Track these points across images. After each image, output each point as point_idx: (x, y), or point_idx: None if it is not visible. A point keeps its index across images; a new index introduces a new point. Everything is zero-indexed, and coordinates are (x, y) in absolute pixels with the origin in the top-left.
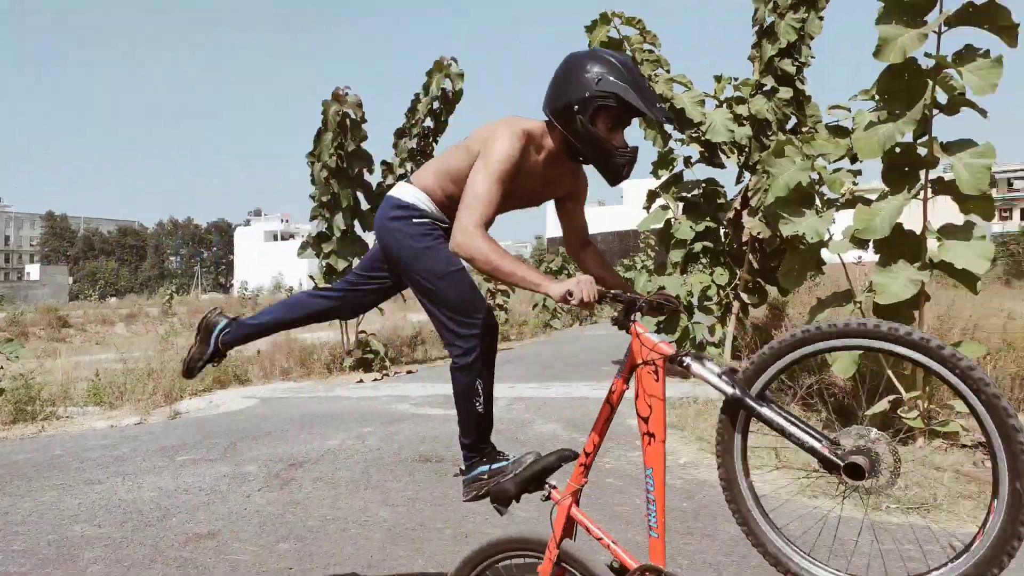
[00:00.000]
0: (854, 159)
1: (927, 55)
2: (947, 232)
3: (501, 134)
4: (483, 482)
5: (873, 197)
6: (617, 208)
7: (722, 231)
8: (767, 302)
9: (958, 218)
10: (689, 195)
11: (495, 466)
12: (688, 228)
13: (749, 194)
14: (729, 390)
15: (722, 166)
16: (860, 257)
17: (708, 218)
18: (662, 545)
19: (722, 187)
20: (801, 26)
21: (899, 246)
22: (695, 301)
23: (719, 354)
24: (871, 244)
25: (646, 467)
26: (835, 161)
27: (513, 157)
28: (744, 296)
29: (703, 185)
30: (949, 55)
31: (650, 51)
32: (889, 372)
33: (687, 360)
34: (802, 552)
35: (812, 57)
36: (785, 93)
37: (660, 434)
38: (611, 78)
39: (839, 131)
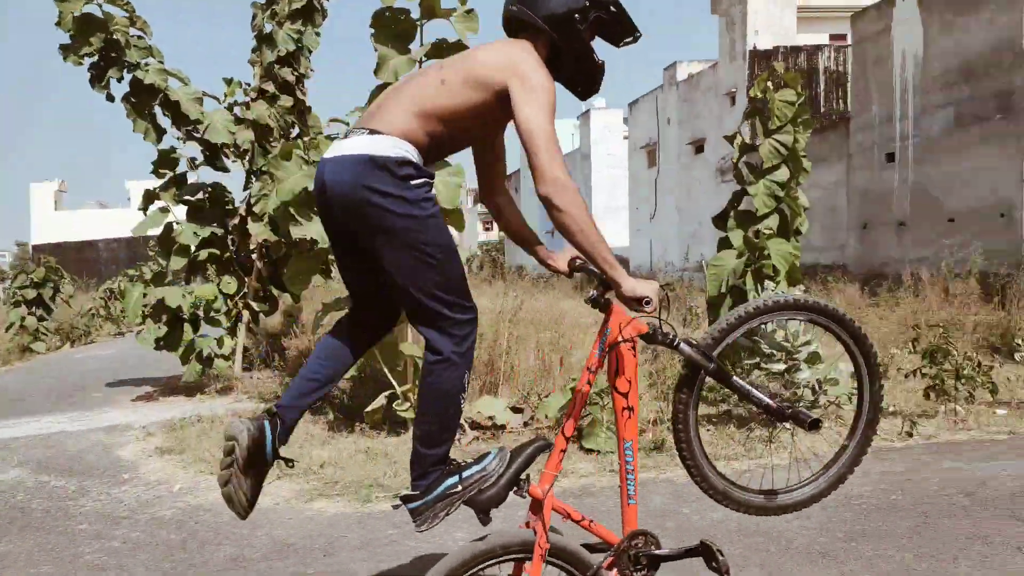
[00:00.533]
0: None
1: None
2: None
3: (531, 59)
4: (455, 495)
5: None
6: (122, 211)
7: (230, 238)
8: (281, 309)
9: None
10: (193, 198)
11: (467, 473)
12: (192, 234)
13: (253, 200)
14: (710, 365)
15: (225, 169)
16: None
17: (215, 224)
18: (636, 511)
19: (230, 192)
20: (299, 37)
21: None
22: (201, 313)
23: (229, 366)
24: None
25: (626, 440)
26: None
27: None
28: (254, 305)
29: (209, 189)
30: None
31: (139, 37)
32: (385, 368)
33: (672, 339)
34: (735, 483)
35: (312, 70)
36: (286, 101)
37: (636, 407)
38: None
39: None
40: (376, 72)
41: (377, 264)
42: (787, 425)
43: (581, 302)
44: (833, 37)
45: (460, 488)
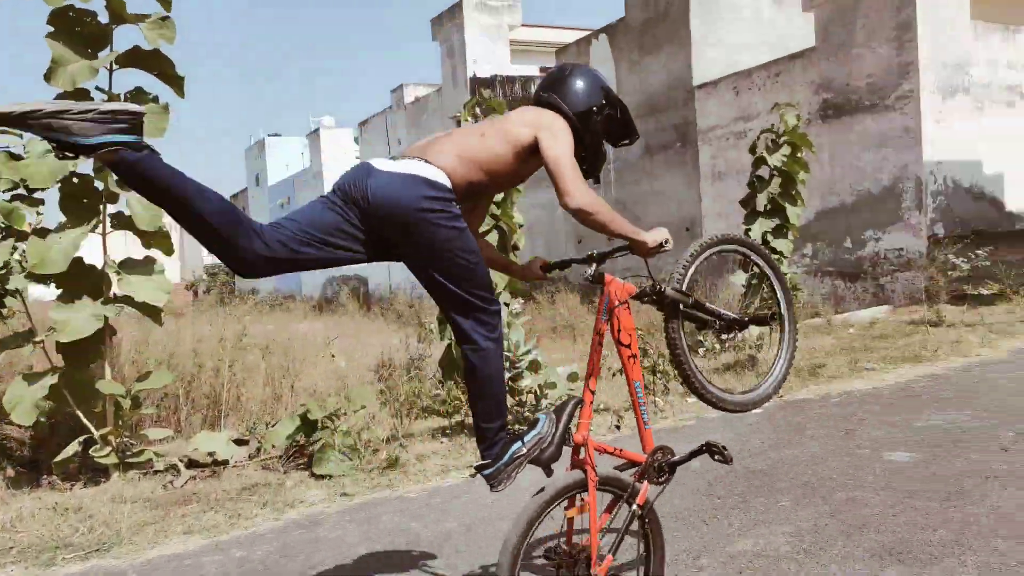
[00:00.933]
0: (34, 188)
1: (99, 89)
2: (127, 267)
3: (558, 119)
4: (522, 457)
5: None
6: None
7: None
8: None
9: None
10: None
11: (528, 438)
12: None
13: None
14: (689, 299)
15: None
16: None
17: None
18: (651, 433)
19: None
20: None
21: (81, 281)
22: None
23: None
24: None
25: (634, 380)
26: (9, 190)
27: None
28: None
29: None
30: (123, 94)
31: None
32: (79, 412)
33: (659, 287)
34: (720, 387)
35: None
36: None
37: (638, 354)
38: (615, 95)
39: (14, 157)
40: (47, 77)
41: (420, 268)
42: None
43: (314, 323)
44: (543, 70)
45: (524, 451)
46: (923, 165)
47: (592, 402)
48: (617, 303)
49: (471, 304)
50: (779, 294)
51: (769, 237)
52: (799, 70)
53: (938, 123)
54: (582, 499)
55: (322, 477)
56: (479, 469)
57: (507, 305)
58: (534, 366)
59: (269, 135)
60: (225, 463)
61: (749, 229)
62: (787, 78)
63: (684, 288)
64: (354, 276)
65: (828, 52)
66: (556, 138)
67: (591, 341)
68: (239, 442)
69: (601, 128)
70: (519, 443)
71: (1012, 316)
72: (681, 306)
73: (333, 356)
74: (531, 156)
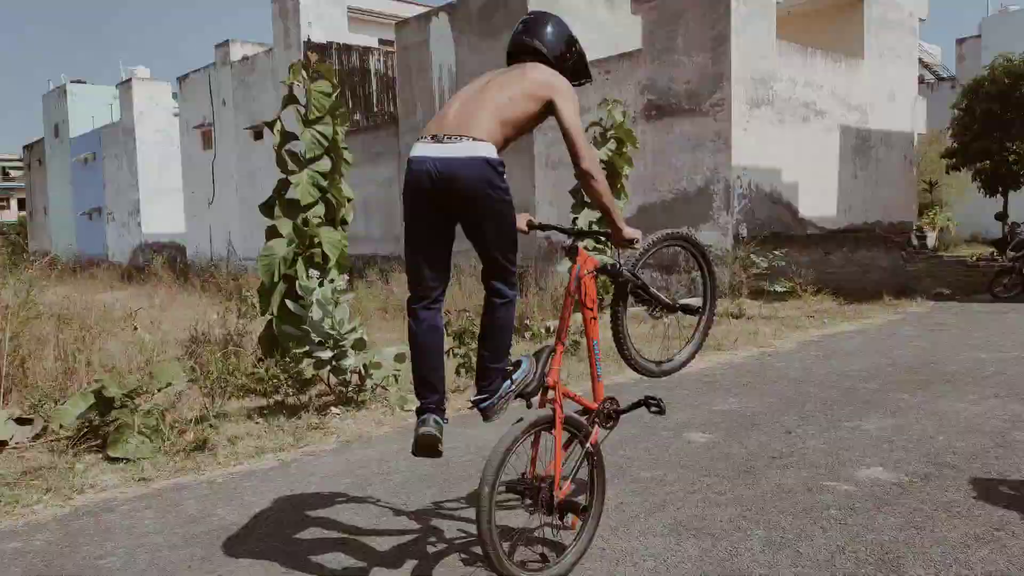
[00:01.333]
0: None
1: None
2: None
3: (563, 78)
4: (511, 393)
5: None
6: None
7: None
8: None
9: None
10: None
11: (516, 376)
12: None
13: None
14: (638, 281)
15: None
16: None
17: None
18: (602, 386)
19: None
20: None
21: None
22: None
23: None
24: None
25: (593, 339)
26: None
27: None
28: None
29: None
30: None
31: None
32: None
33: (618, 267)
34: (651, 360)
35: None
36: None
37: (597, 316)
38: (579, 42)
39: None
40: None
41: (477, 237)
42: (680, 312)
43: (120, 292)
44: (382, 42)
45: (513, 387)
46: (731, 169)
47: (562, 352)
48: (585, 272)
49: (504, 267)
50: (708, 287)
51: (595, 227)
52: (627, 70)
53: (745, 131)
54: (550, 433)
55: (118, 460)
56: (476, 403)
57: (332, 282)
58: (359, 345)
59: (72, 81)
60: (4, 444)
61: (576, 217)
62: (617, 76)
63: (635, 272)
64: (170, 243)
65: (653, 56)
66: (569, 102)
67: (563, 302)
68: (21, 421)
69: (570, 71)
70: (509, 381)
71: (800, 311)
72: (630, 286)
73: (136, 328)
74: (541, 114)
